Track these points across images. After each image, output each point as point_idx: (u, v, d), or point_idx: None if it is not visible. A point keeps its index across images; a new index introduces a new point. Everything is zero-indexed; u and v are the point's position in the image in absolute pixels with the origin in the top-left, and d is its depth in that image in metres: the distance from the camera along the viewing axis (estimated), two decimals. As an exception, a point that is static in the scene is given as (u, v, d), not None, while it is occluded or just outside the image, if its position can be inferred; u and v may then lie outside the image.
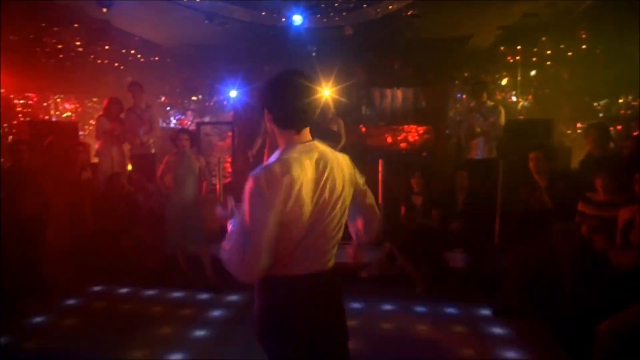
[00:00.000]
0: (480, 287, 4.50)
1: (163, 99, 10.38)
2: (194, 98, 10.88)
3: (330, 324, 1.82)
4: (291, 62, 7.69)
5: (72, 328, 3.93)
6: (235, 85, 8.14)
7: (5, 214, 4.23)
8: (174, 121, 10.94)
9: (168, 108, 10.84)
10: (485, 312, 4.14)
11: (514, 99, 8.31)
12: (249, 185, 1.60)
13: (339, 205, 1.74)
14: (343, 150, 6.65)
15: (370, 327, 3.89)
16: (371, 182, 5.90)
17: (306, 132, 1.75)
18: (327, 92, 7.32)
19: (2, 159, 5.57)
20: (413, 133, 8.42)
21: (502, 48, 7.92)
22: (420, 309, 4.26)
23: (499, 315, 4.02)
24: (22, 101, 9.07)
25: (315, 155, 1.70)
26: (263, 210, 1.57)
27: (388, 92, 9.02)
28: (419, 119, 8.54)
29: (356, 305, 4.34)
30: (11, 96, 8.78)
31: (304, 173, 1.63)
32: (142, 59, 8.68)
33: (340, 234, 1.81)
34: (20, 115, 8.91)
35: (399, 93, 9.00)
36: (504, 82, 8.34)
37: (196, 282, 4.78)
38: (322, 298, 1.77)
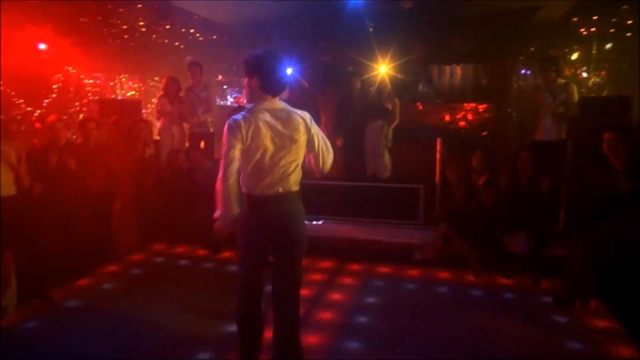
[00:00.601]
0: (541, 273, 4.31)
1: (220, 77, 10.58)
2: (249, 76, 11.01)
3: (276, 227, 2.49)
4: (348, 39, 7.56)
5: (135, 292, 4.17)
6: (290, 62, 8.13)
7: (78, 187, 4.51)
8: (230, 99, 11.16)
9: (225, 87, 11.06)
10: (547, 299, 3.96)
11: (584, 75, 7.74)
12: (224, 130, 2.38)
13: (292, 152, 2.43)
14: (399, 127, 6.57)
15: (423, 310, 3.84)
16: (428, 161, 5.76)
17: (277, 98, 2.48)
18: (383, 69, 7.17)
19: (74, 136, 5.91)
20: (473, 111, 8.09)
21: (574, 19, 7.35)
22: (475, 293, 4.14)
23: (561, 304, 3.83)
24: (91, 81, 9.56)
25: (278, 112, 2.43)
26: (228, 146, 2.36)
27: (447, 69, 8.70)
28: (479, 97, 8.19)
29: (409, 286, 4.28)
30: (81, 76, 9.28)
31: (263, 123, 2.37)
32: (200, 38, 8.86)
33: (291, 170, 2.45)
34: (90, 94, 9.42)
35: (458, 70, 8.66)
36: (575, 56, 7.78)
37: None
38: (272, 210, 2.48)
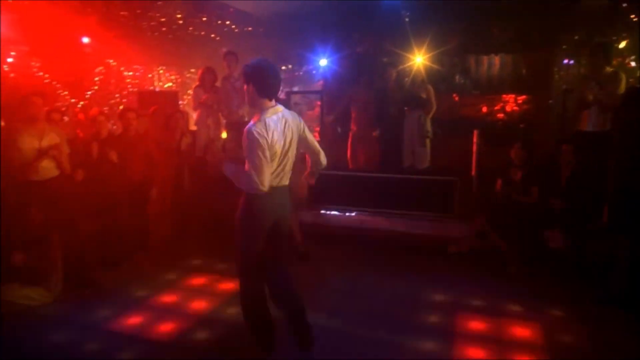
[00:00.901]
0: (582, 271, 4.17)
1: (255, 69, 10.66)
2: (283, 68, 11.06)
3: (282, 216, 2.86)
4: (382, 28, 7.46)
5: (172, 282, 4.29)
6: (325, 53, 8.09)
7: (118, 177, 4.66)
8: (264, 91, 11.23)
9: (259, 78, 11.13)
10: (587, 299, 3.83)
11: (633, 64, 7.36)
12: (246, 137, 2.61)
13: (292, 147, 2.76)
14: (435, 119, 6.45)
15: (456, 305, 3.78)
16: (465, 153, 5.64)
17: (273, 101, 2.73)
18: (419, 59, 7.04)
19: (114, 126, 6.10)
20: (511, 103, 7.85)
21: (624, 4, 6.99)
22: (512, 289, 4.04)
23: (603, 304, 3.69)
24: (130, 73, 9.84)
25: (280, 115, 2.70)
26: (260, 150, 2.57)
27: (484, 58, 8.45)
28: (518, 88, 7.92)
29: (442, 280, 4.23)
30: (122, 68, 9.57)
31: (275, 128, 2.63)
32: (236, 30, 8.95)
33: (290, 165, 2.80)
34: (129, 86, 9.70)
35: (496, 60, 8.39)
36: (623, 44, 7.41)
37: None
38: (280, 200, 2.81)
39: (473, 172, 5.39)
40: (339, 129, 6.72)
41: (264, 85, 2.67)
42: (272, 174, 2.66)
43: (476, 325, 3.45)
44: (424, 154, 6.26)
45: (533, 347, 3.16)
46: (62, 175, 4.12)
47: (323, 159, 3.05)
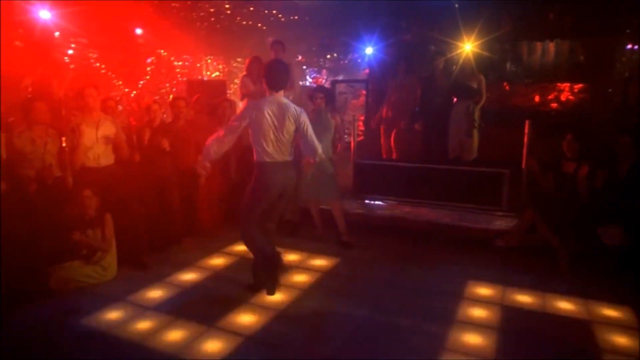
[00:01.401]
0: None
1: (300, 57, 10.71)
2: (328, 56, 11.03)
3: (286, 186, 3.67)
4: (430, 15, 7.28)
5: (218, 267, 4.42)
6: (371, 42, 8.00)
7: (169, 163, 4.83)
8: (309, 79, 11.27)
9: (304, 67, 11.18)
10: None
11: None
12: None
13: (287, 129, 3.54)
14: (483, 109, 6.24)
15: (502, 301, 3.69)
16: (515, 144, 5.45)
17: (280, 92, 3.60)
18: (468, 47, 6.83)
19: (164, 115, 6.30)
20: (566, 92, 7.48)
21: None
22: (562, 287, 3.88)
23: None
24: (179, 63, 10.13)
25: (278, 103, 3.55)
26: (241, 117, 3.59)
27: (538, 45, 8.06)
28: (574, 76, 7.52)
29: (488, 275, 4.12)
30: (172, 58, 9.86)
31: (268, 108, 3.49)
32: (282, 19, 9.00)
33: (289, 144, 3.60)
34: (178, 75, 9.99)
35: (551, 46, 7.98)
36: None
37: (328, 236, 4.99)
38: (282, 172, 3.60)
39: (523, 165, 5.21)
40: (384, 118, 6.63)
41: (271, 81, 3.57)
42: (272, 148, 3.51)
43: (523, 322, 3.36)
44: (472, 145, 6.09)
45: (583, 349, 3.05)
46: (117, 162, 4.32)
47: (313, 145, 3.64)
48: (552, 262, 4.26)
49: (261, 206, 3.64)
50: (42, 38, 6.72)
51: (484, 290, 3.85)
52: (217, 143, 3.54)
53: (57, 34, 7.11)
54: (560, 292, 3.78)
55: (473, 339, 3.12)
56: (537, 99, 7.63)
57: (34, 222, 3.85)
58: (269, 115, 3.47)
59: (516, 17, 7.39)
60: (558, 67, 7.83)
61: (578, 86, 7.37)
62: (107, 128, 4.22)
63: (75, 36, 7.48)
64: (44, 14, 6.56)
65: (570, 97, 7.43)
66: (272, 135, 3.50)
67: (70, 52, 7.57)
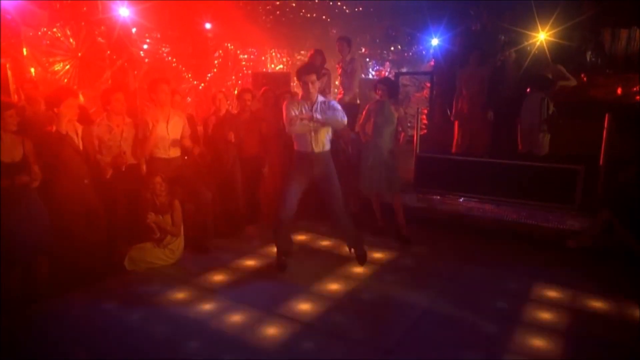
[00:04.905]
0: None
1: (363, 50, 10.63)
2: (392, 48, 10.86)
3: (317, 173, 4.05)
4: (502, 3, 6.95)
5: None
6: (437, 32, 7.77)
7: (234, 153, 4.99)
8: (372, 72, 11.16)
9: (367, 59, 11.08)
10: None
11: None
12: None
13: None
14: (557, 102, 5.87)
15: (572, 306, 3.48)
16: (591, 139, 5.11)
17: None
18: (542, 35, 6.45)
19: (230, 106, 6.51)
20: (652, 83, 6.86)
21: None
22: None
23: None
24: (245, 56, 10.39)
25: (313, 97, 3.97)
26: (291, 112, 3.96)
27: (623, 33, 7.44)
28: (663, 66, 6.88)
29: (558, 276, 3.90)
30: (238, 51, 10.13)
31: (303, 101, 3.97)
32: (347, 10, 8.96)
33: (324, 134, 4.00)
34: (244, 68, 10.26)
35: (638, 33, 7.35)
36: None
37: (388, 229, 4.94)
38: (309, 160, 4.01)
39: (602, 160, 4.86)
40: (449, 111, 6.44)
41: (301, 77, 3.92)
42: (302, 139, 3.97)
43: (595, 328, 3.16)
44: (544, 139, 5.76)
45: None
46: (184, 154, 4.53)
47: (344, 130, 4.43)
48: (629, 266, 3.95)
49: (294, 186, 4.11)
50: (121, 34, 7.15)
51: (552, 293, 3.65)
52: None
53: (134, 30, 7.53)
54: (636, 299, 3.50)
55: (537, 342, 2.98)
56: (619, 91, 7.06)
57: (111, 205, 4.14)
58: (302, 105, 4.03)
59: (598, 2, 6.86)
60: (645, 57, 7.19)
61: (667, 77, 6.73)
62: (176, 123, 4.42)
63: (150, 31, 7.89)
64: (124, 12, 6.97)
65: (658, 89, 6.81)
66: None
67: (145, 46, 8.00)
